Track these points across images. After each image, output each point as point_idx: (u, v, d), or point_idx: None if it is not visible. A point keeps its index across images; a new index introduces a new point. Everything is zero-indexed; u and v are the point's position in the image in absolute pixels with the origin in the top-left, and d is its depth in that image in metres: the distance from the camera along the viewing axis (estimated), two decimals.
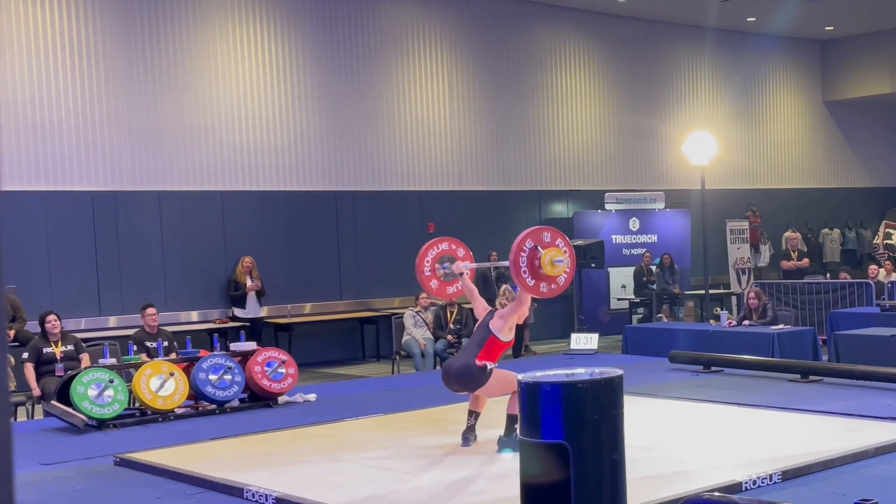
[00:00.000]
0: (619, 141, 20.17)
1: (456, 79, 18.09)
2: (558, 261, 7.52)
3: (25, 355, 10.90)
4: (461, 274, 8.48)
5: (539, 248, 7.53)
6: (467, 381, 7.64)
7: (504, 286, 8.15)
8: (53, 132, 14.21)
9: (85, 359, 11.09)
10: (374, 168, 17.08)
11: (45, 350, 10.97)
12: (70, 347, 11.07)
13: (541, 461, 3.80)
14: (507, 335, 7.79)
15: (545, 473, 3.78)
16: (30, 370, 11.00)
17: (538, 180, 19.04)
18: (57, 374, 10.66)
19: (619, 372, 3.91)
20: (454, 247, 8.61)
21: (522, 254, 7.50)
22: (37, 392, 10.91)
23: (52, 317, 11.01)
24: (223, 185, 15.59)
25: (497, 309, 7.89)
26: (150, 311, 11.62)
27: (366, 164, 16.98)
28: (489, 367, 7.59)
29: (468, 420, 7.87)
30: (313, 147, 16.45)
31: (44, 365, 10.93)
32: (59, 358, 10.87)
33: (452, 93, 18.03)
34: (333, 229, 16.60)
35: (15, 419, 11.19)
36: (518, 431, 7.60)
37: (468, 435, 7.83)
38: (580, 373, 3.90)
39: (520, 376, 3.90)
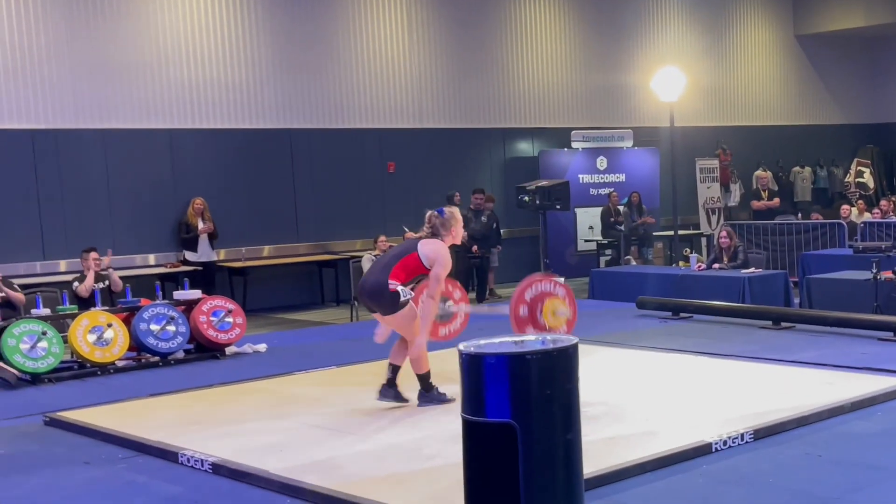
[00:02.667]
0: (586, 77, 19.62)
1: (415, 10, 17.42)
2: (560, 312, 7.65)
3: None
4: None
5: (541, 298, 7.65)
6: (377, 299, 7.15)
7: (430, 212, 7.41)
8: None
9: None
10: (330, 105, 16.46)
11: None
12: (3, 294, 10.52)
13: (486, 442, 3.32)
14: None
15: (490, 456, 3.31)
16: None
17: (502, 118, 18.50)
18: None
19: (573, 340, 3.42)
20: (450, 287, 8.35)
21: (523, 305, 7.53)
22: None
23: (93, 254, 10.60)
24: (171, 124, 14.94)
25: (424, 237, 7.37)
26: (93, 254, 11.10)
27: (322, 100, 16.36)
28: (402, 293, 7.10)
29: (387, 373, 7.40)
30: (266, 83, 15.80)
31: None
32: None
33: (412, 25, 17.38)
34: (289, 169, 16.02)
35: None
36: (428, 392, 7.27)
37: (385, 391, 7.36)
38: (530, 341, 3.42)
39: (461, 345, 3.42)
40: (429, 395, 7.30)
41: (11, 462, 6.48)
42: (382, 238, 13.87)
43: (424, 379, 7.33)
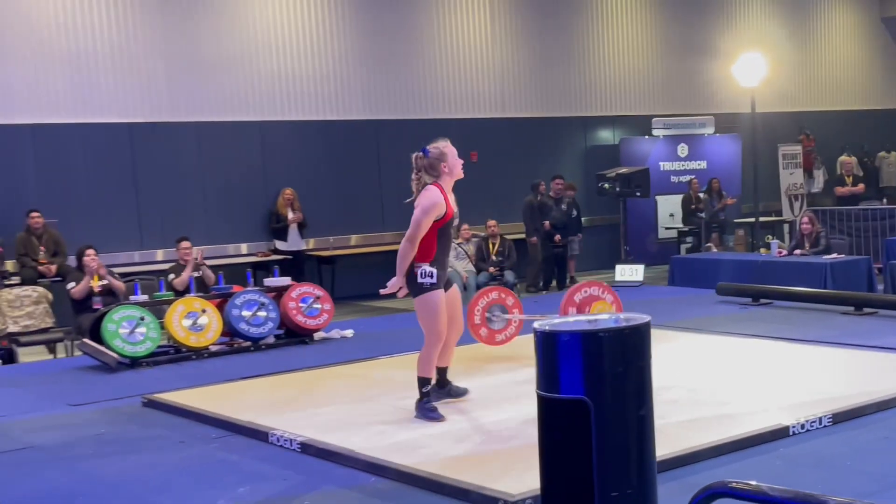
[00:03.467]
0: (667, 64, 19.55)
1: (498, 2, 17.56)
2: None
3: (71, 284, 10.72)
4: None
5: (589, 301, 8.02)
6: (408, 280, 6.60)
7: (414, 155, 6.69)
8: (89, 63, 14.02)
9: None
10: (415, 96, 16.70)
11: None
12: (106, 282, 10.89)
13: (560, 418, 3.49)
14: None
15: (564, 432, 3.48)
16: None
17: (583, 106, 18.54)
18: (95, 307, 10.50)
19: (646, 318, 3.57)
20: (503, 295, 8.71)
21: (572, 307, 7.84)
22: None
23: (90, 251, 10.82)
24: (262, 116, 15.33)
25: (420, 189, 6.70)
26: (185, 244, 11.45)
27: (407, 91, 16.61)
28: (420, 274, 6.43)
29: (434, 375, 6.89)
30: (353, 75, 16.10)
31: (82, 301, 10.75)
32: (96, 292, 10.68)
33: (494, 16, 17.52)
34: (375, 159, 16.30)
35: (55, 356, 11.15)
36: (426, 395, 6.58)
37: (436, 393, 6.87)
38: (603, 319, 3.57)
39: (536, 324, 3.57)
40: (421, 405, 6.64)
41: (112, 441, 6.77)
42: (465, 227, 14.02)
43: (421, 384, 6.66)
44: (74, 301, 10.69)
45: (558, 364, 3.47)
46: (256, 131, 15.32)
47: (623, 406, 3.50)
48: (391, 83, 16.46)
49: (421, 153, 6.59)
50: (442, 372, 6.95)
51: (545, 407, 3.53)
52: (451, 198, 6.59)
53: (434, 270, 6.45)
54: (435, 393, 6.79)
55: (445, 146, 6.58)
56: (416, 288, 6.51)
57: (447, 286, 6.68)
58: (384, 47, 16.38)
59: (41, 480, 5.90)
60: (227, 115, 15.05)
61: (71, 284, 10.66)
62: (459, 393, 7.02)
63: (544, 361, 3.51)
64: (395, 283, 6.54)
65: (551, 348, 3.48)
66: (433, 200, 6.41)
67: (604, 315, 3.61)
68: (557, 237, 15.47)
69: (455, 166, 6.57)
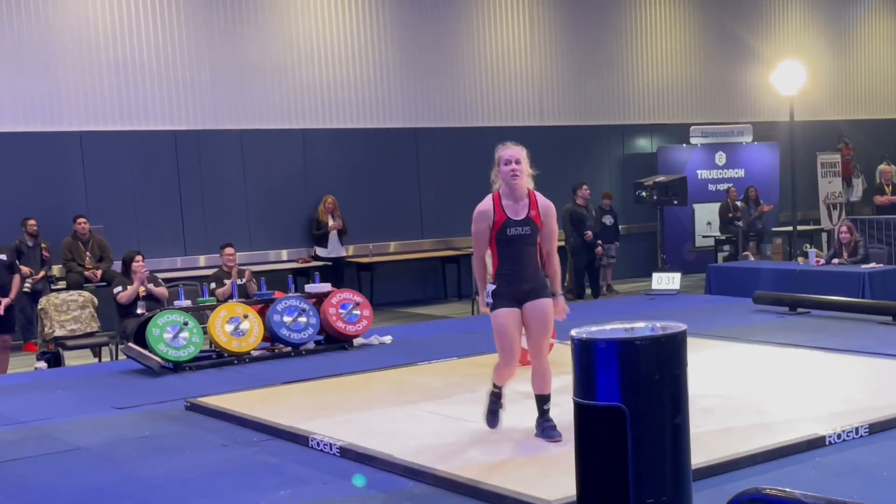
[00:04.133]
0: (705, 72, 19.55)
1: (536, 11, 17.65)
2: None
3: (118, 289, 10.89)
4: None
5: None
6: None
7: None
8: (136, 71, 14.26)
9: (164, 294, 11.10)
10: (454, 104, 16.81)
11: (128, 288, 10.87)
12: (151, 286, 11.03)
13: (596, 425, 3.57)
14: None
15: (600, 439, 3.56)
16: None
17: (621, 114, 18.57)
18: (139, 312, 10.67)
19: (682, 327, 3.63)
20: None
21: None
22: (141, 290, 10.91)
23: (138, 258, 10.96)
24: (303, 124, 15.52)
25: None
26: (228, 250, 11.59)
27: (446, 100, 16.73)
28: (486, 294, 6.25)
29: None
30: (393, 83, 16.25)
31: (127, 306, 10.91)
32: (140, 297, 10.82)
33: (533, 25, 17.60)
34: (414, 167, 16.42)
35: (99, 359, 11.33)
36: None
37: (494, 408, 6.53)
38: (640, 328, 3.64)
39: (573, 331, 3.64)
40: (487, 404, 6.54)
41: (156, 443, 6.91)
42: None
43: (493, 386, 6.50)
44: (120, 306, 10.86)
45: (595, 371, 3.54)
46: (298, 139, 15.50)
47: (659, 414, 3.56)
48: (430, 91, 16.58)
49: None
50: (539, 400, 6.27)
51: (581, 414, 3.61)
52: (520, 205, 6.15)
53: (493, 287, 6.16)
54: (493, 407, 6.46)
55: (499, 151, 6.26)
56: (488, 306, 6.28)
57: (527, 299, 6.17)
58: (424, 56, 16.51)
59: (86, 481, 6.03)
60: (270, 122, 15.24)
61: (118, 289, 10.84)
62: (550, 437, 6.14)
63: (581, 369, 3.59)
64: (480, 305, 6.57)
65: (588, 356, 3.56)
66: (477, 210, 6.19)
67: (640, 323, 3.68)
68: (600, 248, 15.45)
69: (504, 174, 6.15)
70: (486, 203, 6.20)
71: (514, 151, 6.20)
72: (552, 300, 6.26)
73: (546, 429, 6.15)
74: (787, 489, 2.86)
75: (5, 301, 10.54)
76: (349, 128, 15.87)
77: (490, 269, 6.31)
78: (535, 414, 6.29)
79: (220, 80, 14.82)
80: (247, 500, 5.50)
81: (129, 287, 10.76)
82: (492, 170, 6.30)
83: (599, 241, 15.48)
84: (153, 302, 10.79)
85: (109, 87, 14.09)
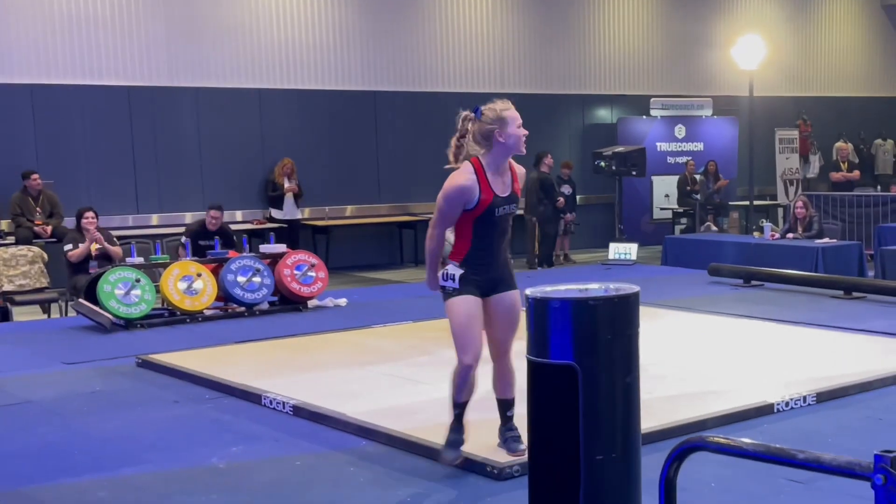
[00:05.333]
0: (667, 45, 19.57)
1: None
2: None
3: (69, 246, 10.74)
4: None
5: None
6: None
7: (463, 114, 5.13)
8: (89, 24, 14.03)
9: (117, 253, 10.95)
10: (414, 68, 16.72)
11: (79, 245, 10.76)
12: (99, 234, 10.82)
13: (548, 383, 3.58)
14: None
15: (552, 396, 3.57)
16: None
17: (582, 84, 18.57)
18: (91, 271, 10.55)
19: (635, 289, 3.65)
20: None
21: None
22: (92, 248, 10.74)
23: (89, 213, 10.80)
24: (261, 83, 15.35)
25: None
26: (214, 212, 11.34)
27: (406, 64, 16.63)
28: (442, 277, 5.12)
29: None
30: (353, 45, 16.12)
31: (78, 263, 10.76)
32: (93, 255, 10.70)
33: None
34: (372, 131, 16.34)
35: (49, 315, 11.21)
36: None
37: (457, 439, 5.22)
38: (594, 288, 3.65)
39: (528, 291, 3.64)
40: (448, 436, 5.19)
41: (107, 398, 6.87)
42: None
43: (453, 406, 5.23)
44: (70, 263, 10.73)
45: (549, 330, 3.55)
46: (255, 99, 15.34)
47: (610, 373, 3.58)
48: (391, 55, 16.48)
49: (472, 113, 5.05)
50: (502, 406, 5.31)
51: (535, 372, 3.62)
52: (504, 178, 5.06)
53: (459, 272, 5.00)
54: (455, 437, 5.19)
55: (505, 109, 4.97)
56: (442, 292, 5.11)
57: (493, 291, 5.10)
58: (385, 18, 16.39)
59: (37, 434, 5.99)
60: (227, 81, 15.07)
61: (68, 247, 10.70)
62: (513, 450, 5.16)
63: (536, 327, 3.59)
64: (428, 282, 5.27)
65: (543, 315, 3.56)
66: (456, 184, 4.92)
67: (594, 285, 3.68)
68: (570, 216, 15.46)
69: (515, 139, 4.97)
70: (468, 176, 4.94)
71: (517, 112, 5.03)
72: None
73: (509, 440, 5.21)
74: (731, 438, 2.89)
75: None
76: (307, 89, 15.73)
77: (449, 247, 5.20)
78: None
79: (176, 36, 14.62)
80: (199, 455, 5.49)
81: (80, 245, 10.62)
82: (458, 135, 5.09)
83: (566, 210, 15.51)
84: (106, 260, 10.66)
85: (62, 39, 13.85)
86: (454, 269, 5.03)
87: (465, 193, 4.92)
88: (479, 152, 5.01)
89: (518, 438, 5.15)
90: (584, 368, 3.50)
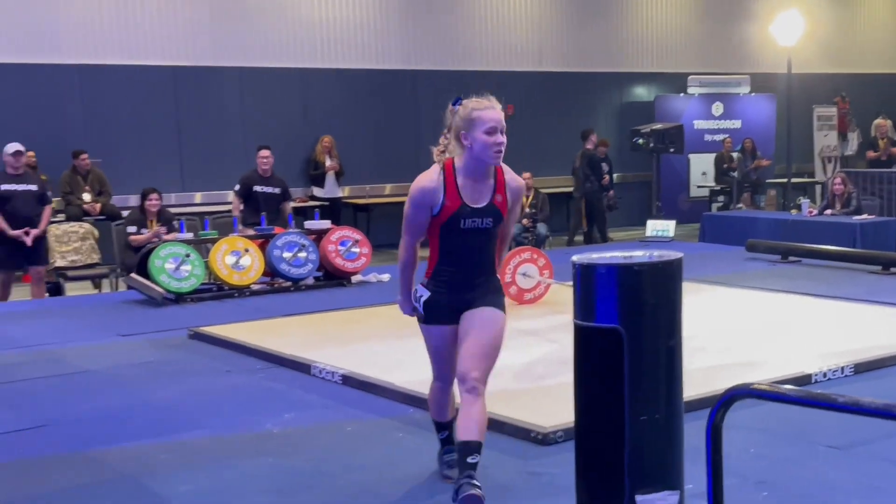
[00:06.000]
0: (705, 21, 19.58)
1: None
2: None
3: (132, 229, 10.99)
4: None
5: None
6: None
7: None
8: (135, 4, 14.28)
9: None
10: (453, 47, 16.86)
11: (142, 232, 10.99)
12: (164, 228, 11.11)
13: (594, 346, 3.74)
14: None
15: (598, 359, 3.73)
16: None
17: (620, 62, 18.63)
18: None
19: (678, 255, 3.80)
20: (535, 256, 8.92)
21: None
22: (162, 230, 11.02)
23: (153, 195, 11.10)
24: (303, 63, 15.56)
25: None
26: (264, 152, 11.62)
27: (445, 43, 16.78)
28: (413, 296, 4.52)
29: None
30: (392, 25, 16.29)
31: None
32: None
33: None
34: (413, 109, 16.50)
35: (100, 290, 11.50)
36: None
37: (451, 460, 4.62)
38: (638, 255, 3.81)
39: (574, 257, 3.78)
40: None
41: (162, 368, 7.11)
42: None
43: (436, 428, 4.77)
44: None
45: (595, 295, 3.69)
46: (297, 78, 15.55)
47: (654, 336, 3.73)
48: (430, 34, 16.63)
49: (452, 105, 4.40)
50: (462, 450, 4.26)
51: (581, 335, 3.77)
52: (482, 187, 4.34)
53: (426, 295, 4.38)
54: (447, 458, 4.68)
55: (478, 109, 4.26)
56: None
57: (472, 305, 4.36)
58: None
59: (97, 401, 6.23)
60: (269, 61, 15.29)
61: (132, 229, 10.93)
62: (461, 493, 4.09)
63: (582, 293, 3.74)
64: (399, 304, 4.64)
65: (589, 280, 3.71)
66: (416, 185, 4.31)
67: (638, 252, 3.84)
68: (612, 192, 15.58)
69: (480, 146, 4.24)
70: (432, 179, 4.30)
71: (499, 114, 4.30)
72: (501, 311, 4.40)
73: (462, 485, 4.10)
74: (775, 385, 3.06)
75: (34, 232, 10.36)
76: (348, 68, 15.92)
77: (416, 258, 4.48)
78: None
79: (219, 16, 14.85)
80: (253, 422, 5.69)
81: (143, 232, 10.87)
82: (446, 130, 4.40)
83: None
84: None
85: (109, 20, 14.12)
86: (422, 290, 4.39)
87: (427, 196, 4.27)
88: (457, 153, 4.34)
89: (471, 482, 4.10)
90: (628, 332, 3.64)
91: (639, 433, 3.76)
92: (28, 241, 10.24)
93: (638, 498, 3.83)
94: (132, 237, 10.85)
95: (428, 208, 4.31)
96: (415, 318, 4.54)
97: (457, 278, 4.38)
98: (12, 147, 10.35)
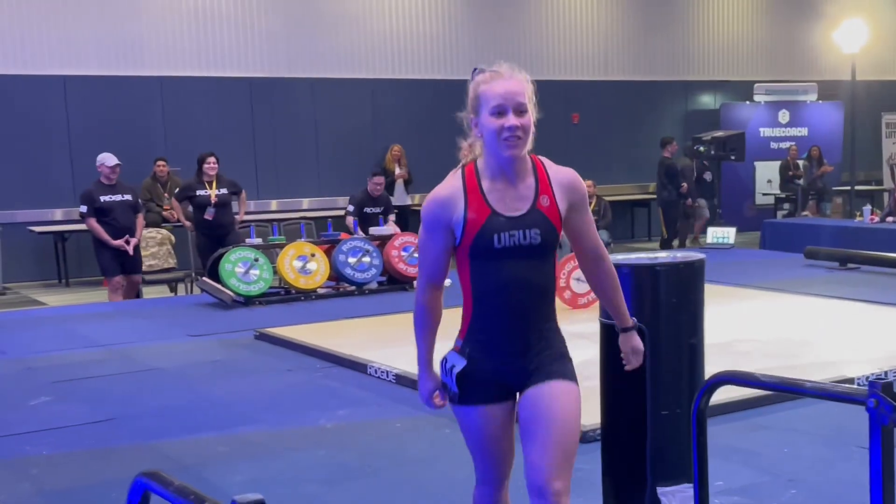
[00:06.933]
0: (770, 29, 19.55)
1: None
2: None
3: (176, 190, 11.37)
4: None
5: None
6: None
7: None
8: (213, 18, 14.80)
9: (242, 199, 11.59)
10: (520, 56, 17.05)
11: (198, 192, 11.30)
12: (224, 191, 11.40)
13: (618, 344, 3.96)
14: None
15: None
16: (176, 205, 11.57)
17: (685, 70, 18.71)
18: (206, 217, 11.16)
19: (701, 256, 4.03)
20: None
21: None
22: (187, 225, 11.50)
23: (211, 159, 11.38)
24: (373, 73, 15.94)
25: None
26: (378, 178, 11.95)
27: (513, 52, 16.99)
28: (441, 369, 3.27)
29: None
30: (460, 35, 16.58)
31: (196, 209, 11.36)
32: (212, 202, 11.25)
33: None
34: None
35: (175, 293, 11.94)
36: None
37: None
38: (662, 257, 4.04)
39: None
40: None
41: (227, 366, 7.48)
42: None
43: None
44: (197, 208, 11.30)
45: None
46: (368, 88, 15.93)
47: (676, 334, 3.96)
48: (498, 44, 16.88)
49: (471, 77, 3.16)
50: None
51: (606, 333, 4.01)
52: (519, 190, 3.08)
53: (460, 364, 3.15)
54: None
55: (484, 82, 3.05)
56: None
57: (527, 383, 3.11)
58: (490, 7, 16.82)
59: (164, 397, 6.60)
60: (341, 72, 15.69)
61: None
62: None
63: None
64: (419, 387, 3.36)
65: None
66: (429, 199, 3.11)
67: (663, 253, 4.08)
68: (690, 200, 15.67)
69: (488, 133, 3.02)
70: (449, 185, 3.09)
71: (512, 85, 3.02)
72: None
73: None
74: (751, 371, 3.31)
75: (133, 241, 10.69)
76: (417, 78, 16.26)
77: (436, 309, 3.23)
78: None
79: (293, 28, 15.30)
80: (309, 417, 6.00)
81: (201, 194, 11.19)
82: (464, 120, 3.15)
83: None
84: (223, 208, 11.28)
85: (188, 33, 14.64)
86: (453, 359, 3.16)
87: (442, 209, 3.04)
88: (481, 151, 3.12)
89: None
90: (651, 329, 3.87)
91: (661, 427, 3.98)
92: (129, 249, 10.60)
93: (659, 490, 4.07)
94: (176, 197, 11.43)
95: (447, 229, 3.05)
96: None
97: (495, 332, 3.09)
98: (112, 160, 10.60)
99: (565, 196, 3.12)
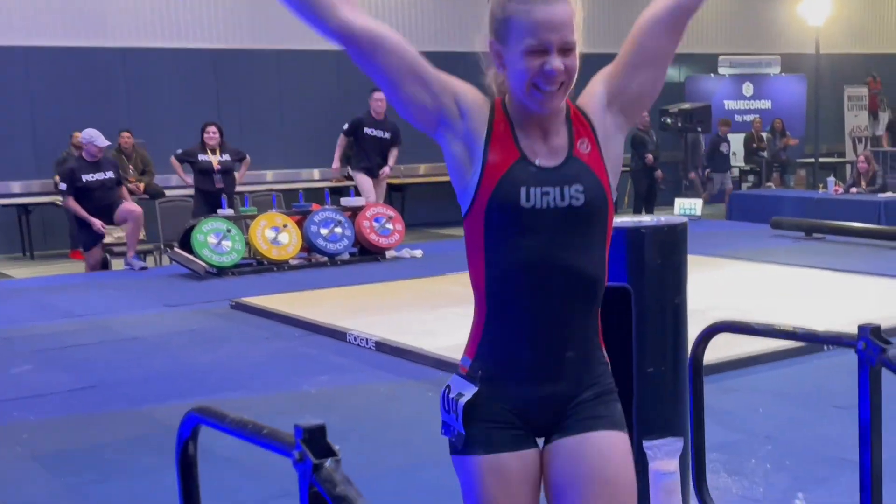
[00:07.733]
0: (734, 1, 19.61)
1: None
2: None
3: (179, 151, 11.49)
4: None
5: None
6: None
7: None
8: None
9: (246, 163, 11.67)
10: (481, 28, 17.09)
11: (200, 157, 11.39)
12: (226, 157, 11.50)
13: (605, 303, 4.06)
14: None
15: (609, 316, 4.04)
16: (175, 164, 11.59)
17: None
18: (217, 185, 11.26)
19: (684, 220, 4.13)
20: None
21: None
22: (187, 181, 11.54)
23: (211, 128, 11.48)
24: (339, 46, 15.84)
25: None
26: (379, 94, 11.83)
27: (477, 24, 17.01)
28: (441, 404, 2.34)
29: None
30: (435, 5, 16.51)
31: (200, 174, 11.45)
32: (216, 169, 11.37)
33: None
34: None
35: (146, 266, 11.92)
36: None
37: None
38: (646, 220, 4.13)
39: None
40: None
41: (206, 335, 7.52)
42: None
43: None
44: (200, 173, 11.38)
45: None
46: (334, 61, 15.87)
47: (660, 294, 4.04)
48: (471, 13, 16.84)
49: None
50: None
51: None
52: (552, 139, 2.24)
53: (467, 392, 2.24)
54: None
55: (523, 2, 2.18)
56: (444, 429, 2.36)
57: (556, 428, 2.23)
58: None
59: (146, 365, 6.63)
60: (307, 44, 15.61)
61: (178, 151, 11.47)
62: None
63: None
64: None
65: None
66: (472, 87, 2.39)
67: (646, 217, 4.17)
68: (660, 173, 15.78)
69: (518, 76, 2.20)
70: (484, 110, 2.30)
71: (562, 10, 2.20)
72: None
73: None
74: (746, 321, 3.43)
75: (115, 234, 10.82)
76: None
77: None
78: None
79: (257, 1, 15.20)
80: (292, 383, 6.07)
81: (202, 159, 11.33)
82: (488, 50, 2.40)
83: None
84: (228, 175, 11.43)
85: (152, 4, 14.54)
86: (459, 384, 2.26)
87: (471, 107, 2.32)
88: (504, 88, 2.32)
89: None
90: (636, 290, 3.97)
91: (646, 384, 4.08)
92: (106, 233, 10.64)
93: (645, 443, 4.18)
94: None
95: (448, 104, 2.33)
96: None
97: (529, 343, 2.20)
98: (102, 140, 10.48)
99: (602, 110, 2.32)
